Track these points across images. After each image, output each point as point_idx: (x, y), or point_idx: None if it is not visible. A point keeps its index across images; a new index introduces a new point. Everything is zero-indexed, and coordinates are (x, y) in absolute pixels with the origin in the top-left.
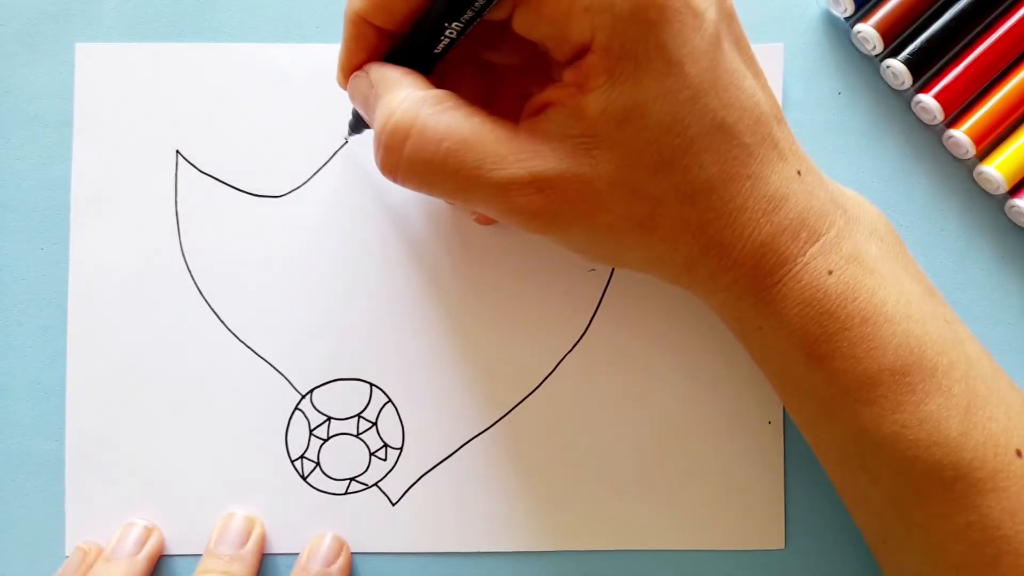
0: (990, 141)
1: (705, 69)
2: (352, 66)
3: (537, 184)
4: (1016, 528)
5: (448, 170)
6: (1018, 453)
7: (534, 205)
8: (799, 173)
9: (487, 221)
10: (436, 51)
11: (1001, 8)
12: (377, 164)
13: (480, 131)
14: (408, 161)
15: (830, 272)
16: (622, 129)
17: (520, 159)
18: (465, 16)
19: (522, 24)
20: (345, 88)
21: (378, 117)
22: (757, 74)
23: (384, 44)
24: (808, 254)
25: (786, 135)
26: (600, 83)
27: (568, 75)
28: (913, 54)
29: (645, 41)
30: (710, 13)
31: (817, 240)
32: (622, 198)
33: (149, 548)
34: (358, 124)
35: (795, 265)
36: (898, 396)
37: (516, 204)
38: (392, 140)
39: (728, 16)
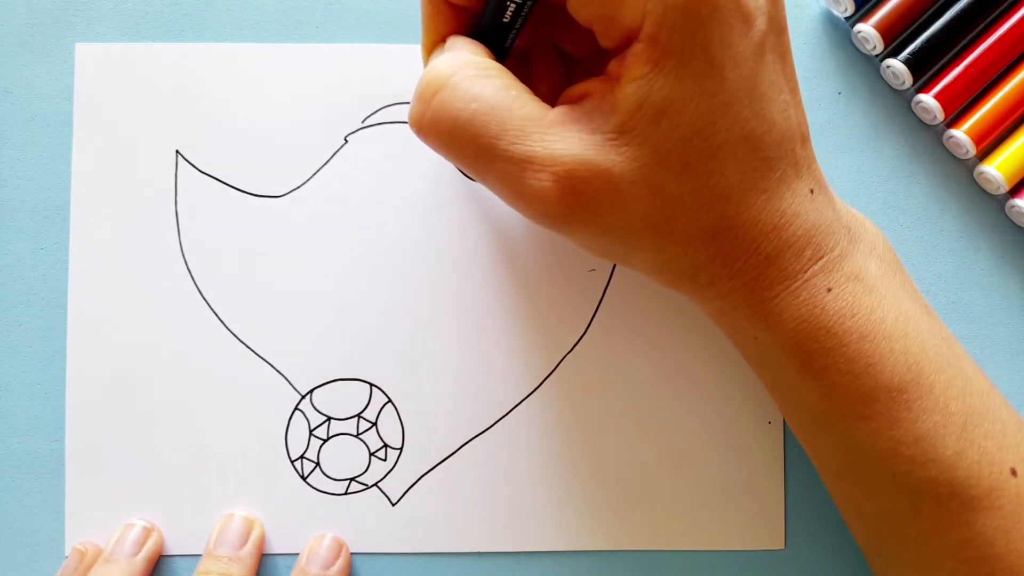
0: (990, 141)
1: (744, 76)
2: (431, 43)
3: (554, 169)
4: (1010, 547)
5: (469, 133)
6: (1013, 472)
7: (546, 193)
8: (812, 192)
9: None
10: (504, 20)
11: (1001, 8)
12: (408, 114)
13: (512, 104)
14: (433, 114)
15: (829, 290)
16: (656, 125)
17: (544, 138)
18: None
19: (576, 2)
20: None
21: (424, 71)
22: (794, 90)
23: (462, 21)
24: (810, 272)
25: (807, 154)
26: (642, 73)
27: (612, 67)
28: (913, 54)
29: (692, 37)
30: (760, 22)
31: (821, 258)
32: (643, 197)
33: (148, 549)
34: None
35: (795, 281)
36: (894, 413)
37: (529, 187)
38: (425, 91)
39: (779, 28)
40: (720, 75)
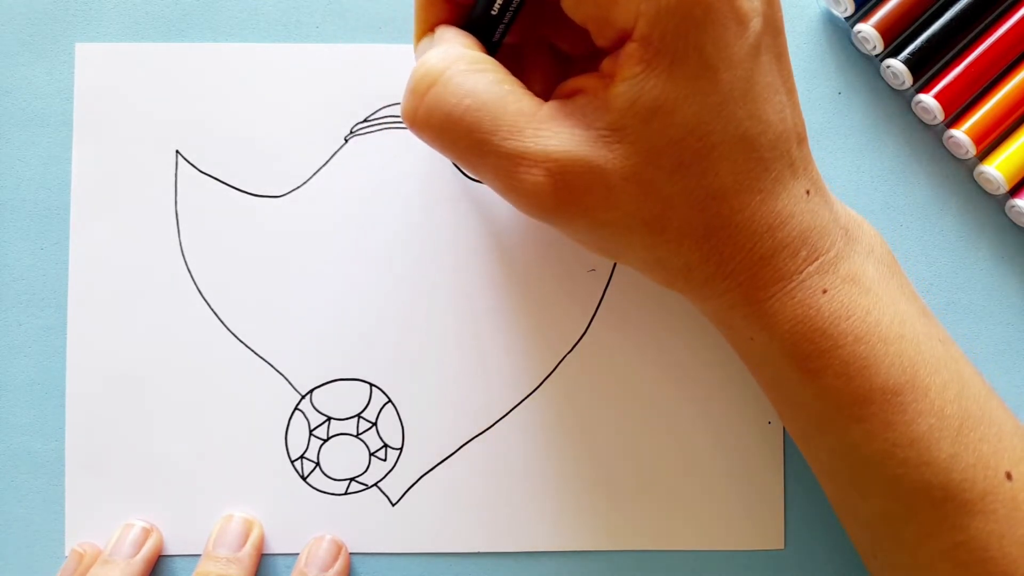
0: (990, 141)
1: (739, 78)
2: (422, 33)
3: (547, 164)
4: (1003, 551)
5: (463, 128)
6: (1008, 475)
7: (540, 188)
8: (808, 192)
9: None
10: (492, 12)
11: (1001, 8)
12: (401, 109)
13: (505, 99)
14: (427, 108)
15: (824, 291)
16: (648, 124)
17: (537, 134)
18: None
19: (570, 2)
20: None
21: (416, 64)
22: (790, 91)
23: (454, 12)
24: (805, 272)
25: (804, 154)
26: (634, 73)
27: (606, 65)
28: (913, 54)
29: (685, 38)
30: (755, 23)
31: (816, 259)
32: (634, 194)
33: (147, 550)
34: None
35: (791, 282)
36: (889, 415)
37: (522, 182)
38: (418, 85)
39: (774, 30)
40: (714, 76)
